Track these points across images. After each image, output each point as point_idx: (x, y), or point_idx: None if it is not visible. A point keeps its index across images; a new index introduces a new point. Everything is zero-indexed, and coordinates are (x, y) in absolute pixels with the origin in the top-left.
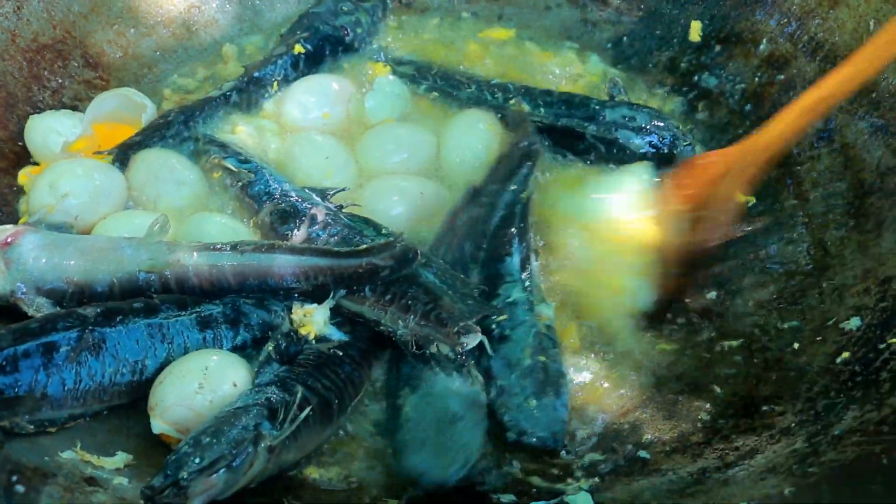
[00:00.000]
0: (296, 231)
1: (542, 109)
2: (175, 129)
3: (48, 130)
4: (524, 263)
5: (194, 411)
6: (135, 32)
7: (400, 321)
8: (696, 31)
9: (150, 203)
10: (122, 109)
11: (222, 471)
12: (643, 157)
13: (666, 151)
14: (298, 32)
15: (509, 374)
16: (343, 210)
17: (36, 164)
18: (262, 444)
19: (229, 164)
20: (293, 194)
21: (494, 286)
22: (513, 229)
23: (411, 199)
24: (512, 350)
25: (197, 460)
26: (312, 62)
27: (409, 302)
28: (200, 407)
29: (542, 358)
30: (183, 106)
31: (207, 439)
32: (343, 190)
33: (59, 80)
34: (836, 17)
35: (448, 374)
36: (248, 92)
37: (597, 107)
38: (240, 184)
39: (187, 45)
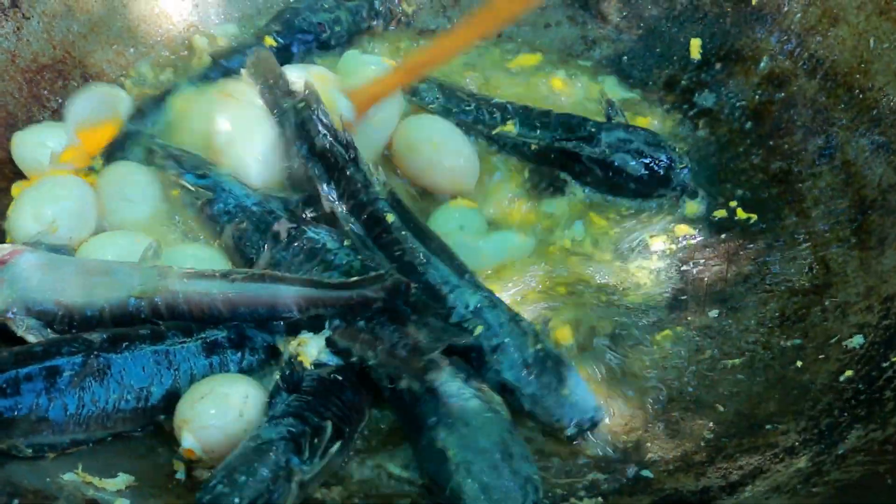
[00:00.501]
0: (261, 254)
1: (539, 131)
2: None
3: (35, 144)
4: (450, 261)
5: (227, 437)
6: (134, 52)
7: (370, 352)
8: (696, 48)
9: (114, 219)
10: (99, 107)
11: None
12: (639, 179)
13: (662, 174)
14: (272, 25)
15: (530, 379)
16: (307, 218)
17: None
18: (295, 479)
19: (186, 182)
20: (254, 209)
21: (439, 302)
22: (403, 232)
23: None
24: (513, 356)
25: (236, 500)
26: (283, 56)
27: (378, 333)
28: (235, 434)
29: (539, 346)
30: (154, 97)
31: (243, 478)
32: (306, 194)
33: (59, 100)
34: (835, 35)
35: (470, 401)
36: (214, 81)
37: (593, 129)
38: (199, 202)
39: (187, 65)
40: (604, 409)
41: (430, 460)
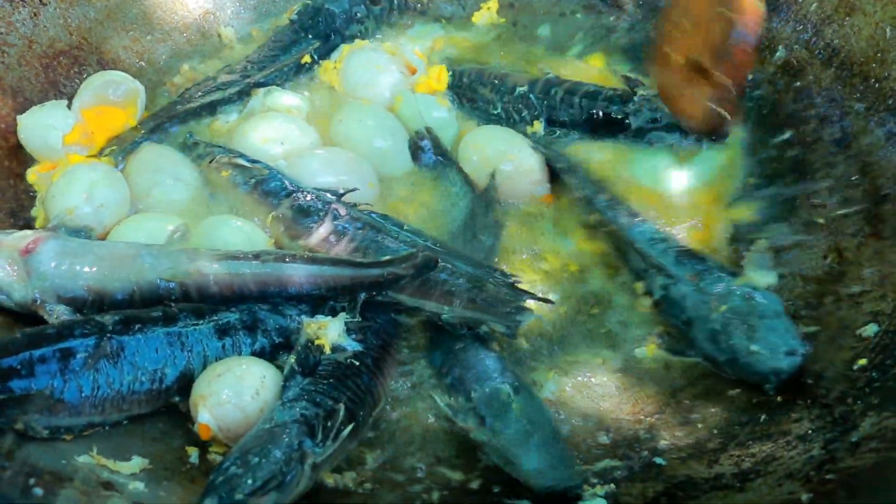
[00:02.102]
0: (320, 224)
1: (566, 127)
2: (177, 127)
3: (45, 127)
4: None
5: (244, 415)
6: (150, 38)
7: (445, 306)
8: None
9: (149, 200)
10: (106, 90)
11: (273, 491)
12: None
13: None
14: (311, 37)
15: (722, 348)
16: (357, 208)
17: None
18: (308, 462)
19: (242, 161)
20: (309, 190)
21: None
22: None
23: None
24: (703, 329)
25: (249, 481)
26: (312, 66)
27: (452, 289)
28: (251, 413)
29: (725, 307)
30: (188, 108)
31: (256, 459)
32: (354, 190)
33: (75, 86)
34: (852, 24)
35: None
36: (248, 94)
37: (620, 116)
38: (253, 180)
39: (202, 51)
40: (803, 346)
41: (491, 405)
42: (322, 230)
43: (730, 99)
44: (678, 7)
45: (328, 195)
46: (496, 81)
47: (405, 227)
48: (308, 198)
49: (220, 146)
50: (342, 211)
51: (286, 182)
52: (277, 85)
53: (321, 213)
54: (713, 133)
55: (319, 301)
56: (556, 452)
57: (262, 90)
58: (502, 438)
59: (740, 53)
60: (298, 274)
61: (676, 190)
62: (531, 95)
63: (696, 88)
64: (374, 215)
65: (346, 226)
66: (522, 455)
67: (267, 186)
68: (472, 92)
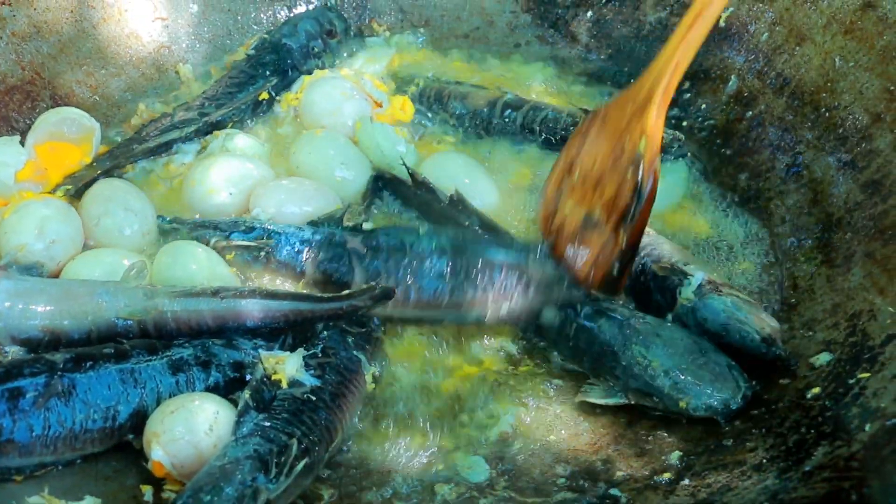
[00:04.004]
0: (353, 273)
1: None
2: (137, 166)
3: None
4: None
5: (197, 451)
6: (104, 73)
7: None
8: None
9: (98, 232)
10: (62, 128)
11: None
12: None
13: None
14: (268, 73)
15: None
16: (363, 226)
17: None
18: (261, 498)
19: (240, 240)
20: (317, 237)
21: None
22: None
23: None
24: None
25: None
26: (270, 103)
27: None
28: (205, 449)
29: None
30: (145, 147)
31: (208, 497)
32: (348, 207)
33: (28, 122)
34: (802, 54)
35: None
36: (206, 133)
37: None
38: (263, 254)
39: (157, 85)
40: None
41: (636, 377)
42: (358, 280)
43: (628, 260)
44: (576, 162)
45: (331, 227)
46: (455, 102)
47: (421, 231)
48: (323, 248)
49: (202, 223)
50: (359, 248)
51: (294, 242)
52: (235, 122)
53: (344, 261)
54: (609, 290)
55: (276, 333)
56: None
57: (222, 134)
58: None
59: (643, 218)
60: (257, 309)
61: None
62: (492, 119)
63: (592, 246)
64: (388, 231)
65: (377, 263)
66: None
67: (280, 256)
68: (433, 113)
